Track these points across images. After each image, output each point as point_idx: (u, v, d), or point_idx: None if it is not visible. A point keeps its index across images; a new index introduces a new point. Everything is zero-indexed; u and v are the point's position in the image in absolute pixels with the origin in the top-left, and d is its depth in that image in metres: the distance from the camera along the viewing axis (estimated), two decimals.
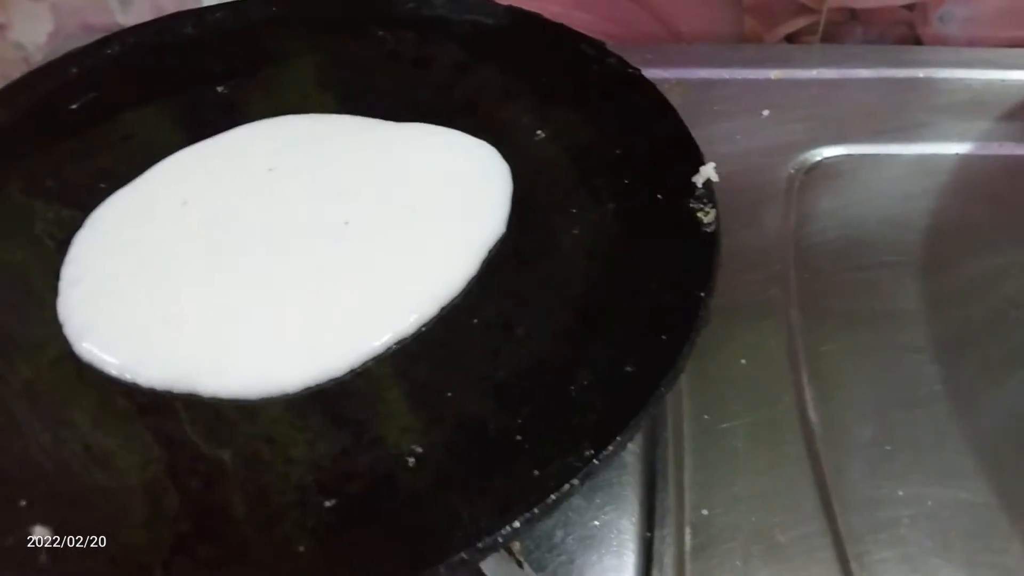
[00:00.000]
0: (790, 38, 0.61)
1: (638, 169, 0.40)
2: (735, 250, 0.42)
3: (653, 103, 0.42)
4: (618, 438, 0.29)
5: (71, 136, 0.44)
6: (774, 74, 0.57)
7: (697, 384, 0.40)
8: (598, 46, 0.45)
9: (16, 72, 0.49)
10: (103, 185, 0.42)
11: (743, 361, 0.41)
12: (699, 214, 0.37)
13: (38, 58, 0.65)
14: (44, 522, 0.29)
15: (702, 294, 0.33)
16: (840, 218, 0.49)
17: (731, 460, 0.37)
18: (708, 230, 0.36)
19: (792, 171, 0.51)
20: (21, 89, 0.47)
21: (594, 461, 0.29)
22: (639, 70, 0.44)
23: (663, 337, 0.32)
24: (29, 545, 0.29)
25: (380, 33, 0.49)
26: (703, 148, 0.39)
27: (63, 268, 0.38)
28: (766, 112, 0.55)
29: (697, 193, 0.37)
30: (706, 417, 0.39)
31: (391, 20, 0.49)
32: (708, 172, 0.38)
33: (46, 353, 0.35)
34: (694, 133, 0.40)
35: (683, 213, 0.37)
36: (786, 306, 0.44)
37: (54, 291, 0.37)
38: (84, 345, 0.35)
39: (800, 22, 0.60)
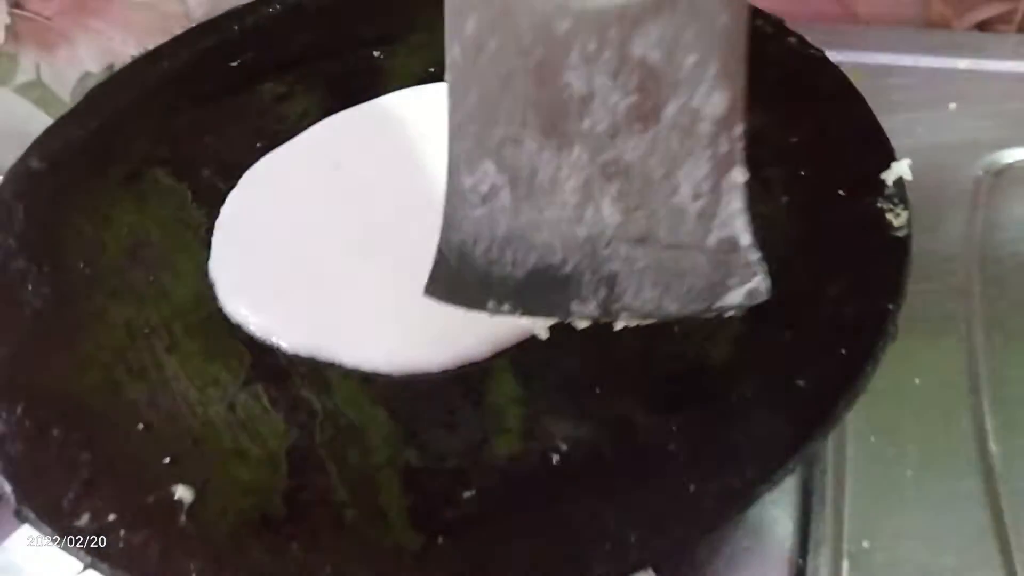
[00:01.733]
0: (982, 26, 0.55)
1: (817, 161, 0.36)
2: (914, 256, 0.38)
3: (838, 89, 0.38)
4: (787, 464, 0.26)
5: (230, 94, 0.44)
6: (963, 64, 0.52)
7: (864, 401, 0.36)
8: (776, 23, 0.42)
9: (177, 27, 0.50)
10: (259, 144, 0.42)
11: (917, 380, 0.37)
12: (888, 215, 0.33)
13: (198, 14, 0.66)
14: (187, 481, 0.29)
15: (890, 306, 0.30)
16: None
17: (898, 489, 0.34)
18: (899, 234, 0.32)
19: (980, 172, 0.46)
20: (184, 44, 0.47)
21: (759, 486, 0.26)
22: (823, 51, 0.40)
23: (842, 351, 0.29)
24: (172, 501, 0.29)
25: None
26: None
27: (216, 226, 0.38)
28: (953, 105, 0.50)
29: (887, 192, 0.34)
30: (872, 439, 0.35)
31: None
32: (901, 169, 0.34)
33: (197, 311, 0.35)
34: None
35: (869, 213, 0.33)
36: (968, 322, 0.39)
37: (207, 248, 0.38)
38: (232, 305, 0.35)
39: (994, 9, 0.54)
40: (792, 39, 0.41)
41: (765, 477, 0.26)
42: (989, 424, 0.36)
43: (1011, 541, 0.33)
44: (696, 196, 0.26)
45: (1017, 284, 0.41)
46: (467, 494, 0.28)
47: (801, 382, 0.29)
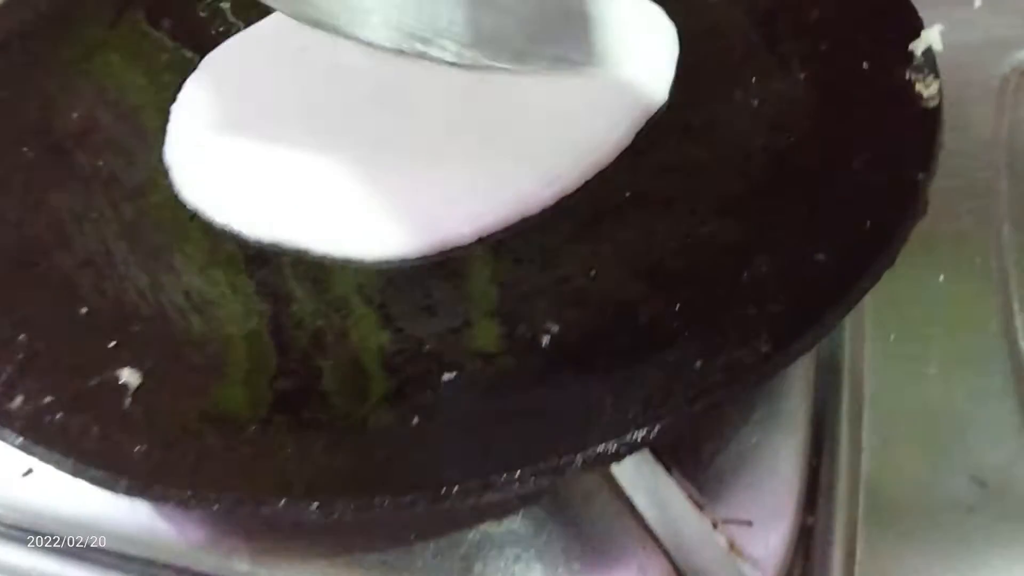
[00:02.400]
0: None
1: (839, 34, 0.33)
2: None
3: None
4: (807, 334, 0.23)
5: None
6: None
7: (883, 299, 0.33)
8: None
9: None
10: (221, 28, 0.38)
11: (941, 278, 0.34)
12: (918, 86, 0.30)
13: None
14: (134, 365, 0.26)
15: (920, 175, 0.27)
16: None
17: (921, 389, 0.31)
18: (929, 105, 0.29)
19: (1007, 71, 0.43)
20: None
21: (773, 358, 0.23)
22: None
23: (867, 223, 0.26)
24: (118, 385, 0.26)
25: None
26: None
27: (173, 110, 0.35)
28: (978, 2, 0.46)
29: (915, 63, 0.30)
30: (892, 338, 0.32)
31: None
32: (931, 38, 0.31)
33: (150, 196, 0.32)
34: None
35: (896, 84, 0.30)
36: (996, 220, 0.36)
37: (163, 133, 0.34)
38: (189, 191, 0.32)
39: None
40: None
41: (778, 349, 0.23)
42: (1018, 323, 0.33)
43: None
44: None
45: None
46: (447, 376, 0.25)
47: (821, 256, 0.26)
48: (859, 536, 0.28)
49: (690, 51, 0.35)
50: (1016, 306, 0.34)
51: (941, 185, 0.38)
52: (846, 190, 0.27)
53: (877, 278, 0.25)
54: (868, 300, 0.34)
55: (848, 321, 0.33)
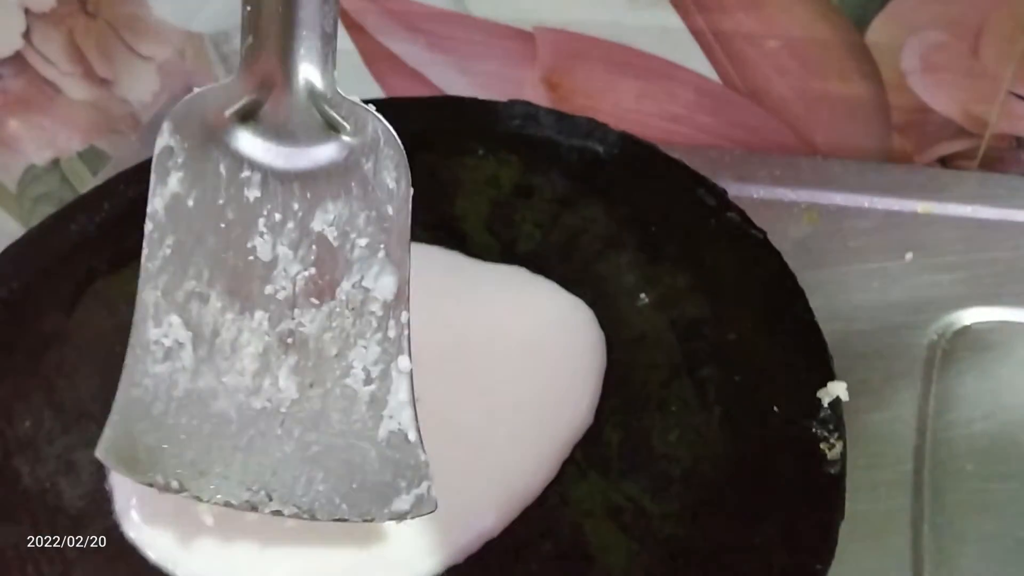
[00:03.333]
0: (944, 160, 0.53)
1: (753, 365, 0.34)
2: (862, 438, 0.36)
3: (779, 281, 0.36)
4: None
5: None
6: (921, 207, 0.50)
7: None
8: (719, 195, 0.40)
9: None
10: None
11: None
12: (822, 445, 0.31)
13: (145, 118, 0.65)
14: None
15: (818, 567, 0.28)
16: (986, 405, 0.41)
17: None
18: (832, 471, 0.30)
19: (935, 336, 0.44)
20: (107, 193, 0.45)
21: None
22: (764, 233, 0.38)
23: None
24: None
25: (481, 152, 0.45)
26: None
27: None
28: (909, 255, 0.48)
29: (822, 415, 0.32)
30: None
31: (494, 138, 0.45)
32: (838, 390, 0.32)
33: (90, 527, 0.33)
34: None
35: (802, 438, 0.31)
36: (915, 522, 0.37)
37: None
38: (128, 523, 0.33)
39: (956, 146, 0.52)
40: (733, 214, 0.39)
41: None
42: None
43: None
44: (368, 379, 0.28)
45: (968, 474, 0.39)
46: None
47: None
48: None
49: (617, 359, 0.36)
50: None
51: (868, 479, 0.39)
52: (748, 569, 0.29)
53: None
54: None
55: None
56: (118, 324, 0.39)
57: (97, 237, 0.43)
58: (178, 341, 0.29)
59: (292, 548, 0.31)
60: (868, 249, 0.48)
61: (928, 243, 0.48)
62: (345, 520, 0.28)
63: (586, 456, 0.33)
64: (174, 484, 0.29)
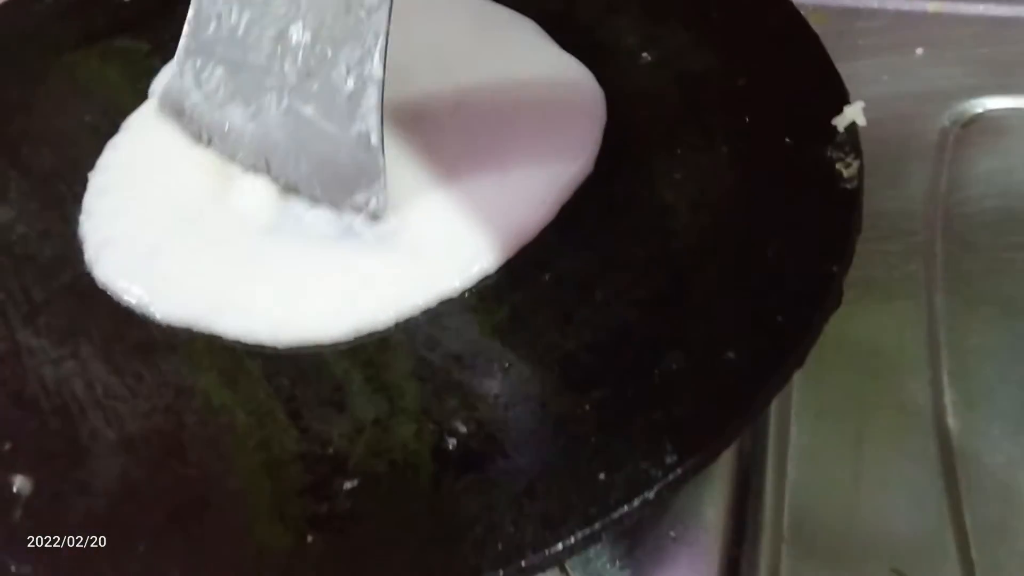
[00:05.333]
0: None
1: (764, 105, 0.32)
2: (872, 213, 0.34)
3: (789, 27, 0.34)
4: (710, 445, 0.23)
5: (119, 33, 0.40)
6: (931, 6, 0.48)
7: (811, 371, 0.33)
8: None
9: None
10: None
11: (871, 349, 0.34)
12: (838, 165, 0.29)
13: None
14: (26, 471, 0.25)
15: (834, 268, 0.26)
16: (1000, 184, 0.40)
17: (847, 468, 0.31)
18: (848, 186, 0.29)
19: (947, 123, 0.43)
20: None
21: (676, 471, 0.23)
22: None
23: (778, 318, 0.26)
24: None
25: None
26: None
27: (90, 178, 0.34)
28: (920, 51, 0.46)
29: (837, 139, 0.30)
30: (817, 415, 0.32)
31: None
32: (854, 114, 0.30)
33: (61, 275, 0.31)
34: None
35: (817, 162, 0.30)
36: (929, 287, 0.36)
37: (79, 203, 0.33)
38: (100, 268, 0.31)
39: None
40: None
41: (683, 462, 0.22)
42: (948, 400, 0.33)
43: (968, 525, 0.30)
44: (348, 73, 0.29)
45: (982, 245, 0.38)
46: (348, 485, 0.24)
47: (731, 354, 0.25)
48: None
49: (618, 117, 0.34)
50: (946, 380, 0.33)
51: (876, 248, 0.38)
52: (760, 281, 0.27)
53: (785, 380, 0.24)
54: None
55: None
56: (85, 97, 0.38)
57: (67, 14, 0.40)
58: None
59: (279, 289, 0.30)
60: (878, 47, 0.46)
61: (939, 39, 0.46)
62: (318, 201, 0.31)
63: (587, 196, 0.31)
64: (206, 138, 0.33)
